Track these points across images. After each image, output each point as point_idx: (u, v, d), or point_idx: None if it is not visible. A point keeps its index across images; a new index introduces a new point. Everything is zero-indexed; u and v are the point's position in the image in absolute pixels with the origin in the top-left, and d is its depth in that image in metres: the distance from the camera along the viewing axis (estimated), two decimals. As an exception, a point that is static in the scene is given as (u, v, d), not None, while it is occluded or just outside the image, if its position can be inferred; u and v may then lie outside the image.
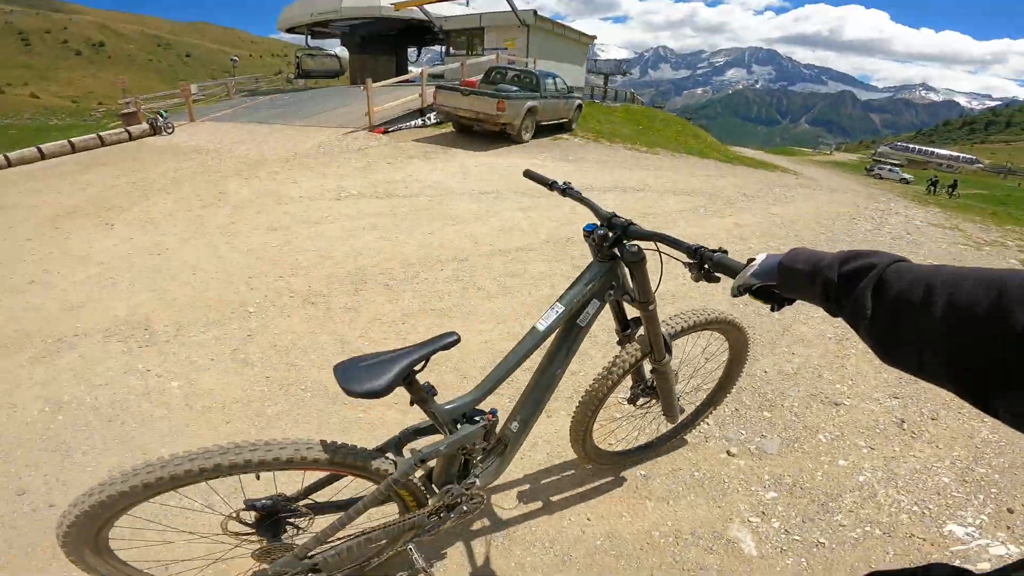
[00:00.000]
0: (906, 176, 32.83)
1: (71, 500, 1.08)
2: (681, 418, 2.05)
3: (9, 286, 3.59)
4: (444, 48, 19.21)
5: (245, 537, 1.23)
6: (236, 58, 25.82)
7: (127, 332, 2.96)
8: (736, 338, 1.83)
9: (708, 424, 2.22)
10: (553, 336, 1.39)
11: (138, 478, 1.01)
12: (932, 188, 23.72)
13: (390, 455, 1.25)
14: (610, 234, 1.25)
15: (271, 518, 1.21)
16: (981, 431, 2.15)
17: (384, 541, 1.39)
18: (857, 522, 1.77)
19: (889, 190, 15.50)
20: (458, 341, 1.18)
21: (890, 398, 2.35)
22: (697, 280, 1.01)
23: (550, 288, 3.43)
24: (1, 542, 1.68)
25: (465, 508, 1.41)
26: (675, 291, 3.44)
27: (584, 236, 1.30)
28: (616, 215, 1.27)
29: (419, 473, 1.33)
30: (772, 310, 0.87)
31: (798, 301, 0.82)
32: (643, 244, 1.25)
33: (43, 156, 8.38)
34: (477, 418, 1.28)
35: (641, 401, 1.78)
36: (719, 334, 1.84)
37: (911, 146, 63.36)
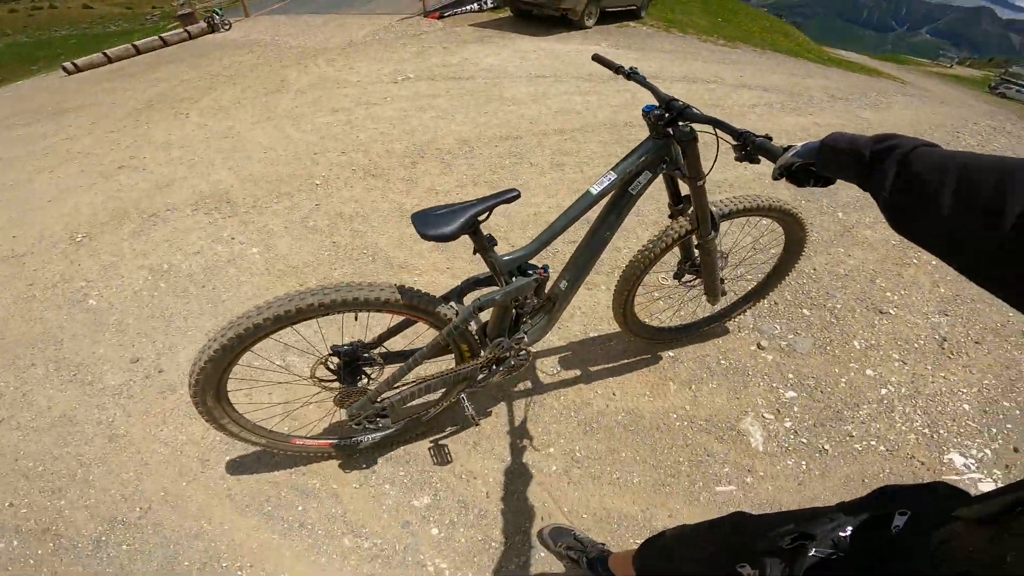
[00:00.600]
0: (1036, 99, 28.02)
1: (200, 346, 1.23)
2: (723, 305, 2.10)
3: (102, 171, 3.91)
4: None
5: (328, 383, 1.40)
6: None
7: (212, 205, 3.23)
8: (793, 229, 1.78)
9: (745, 315, 2.27)
10: (605, 201, 1.44)
11: (265, 313, 1.17)
12: (1064, 115, 20.09)
13: (452, 303, 1.35)
14: (666, 115, 1.29)
15: (351, 365, 1.36)
16: (1021, 363, 2.07)
17: (442, 388, 1.51)
18: (865, 435, 1.81)
19: (1012, 110, 13.43)
20: (518, 196, 1.25)
21: (939, 314, 2.29)
22: (739, 159, 1.07)
23: (604, 166, 3.38)
24: (120, 411, 1.95)
25: (512, 363, 1.53)
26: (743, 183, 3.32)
27: (643, 116, 1.34)
28: (675, 99, 1.29)
29: (475, 326, 1.45)
30: (803, 185, 0.93)
31: (833, 185, 0.89)
32: (698, 127, 1.29)
33: (110, 60, 8.62)
34: (530, 272, 1.37)
35: (686, 278, 1.82)
36: (777, 224, 1.80)
37: (1054, 70, 53.25)
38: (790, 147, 0.93)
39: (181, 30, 9.70)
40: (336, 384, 1.41)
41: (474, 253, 1.29)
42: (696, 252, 1.71)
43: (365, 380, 1.44)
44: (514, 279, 1.37)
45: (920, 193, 0.58)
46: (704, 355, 2.11)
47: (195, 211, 3.20)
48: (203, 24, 9.94)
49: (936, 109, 5.04)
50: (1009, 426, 1.85)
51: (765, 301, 2.33)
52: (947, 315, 2.29)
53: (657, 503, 1.61)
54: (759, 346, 2.14)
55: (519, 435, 1.81)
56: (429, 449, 1.73)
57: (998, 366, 2.07)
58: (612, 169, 1.36)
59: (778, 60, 7.58)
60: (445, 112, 4.45)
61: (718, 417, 1.87)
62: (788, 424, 1.84)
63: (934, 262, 2.55)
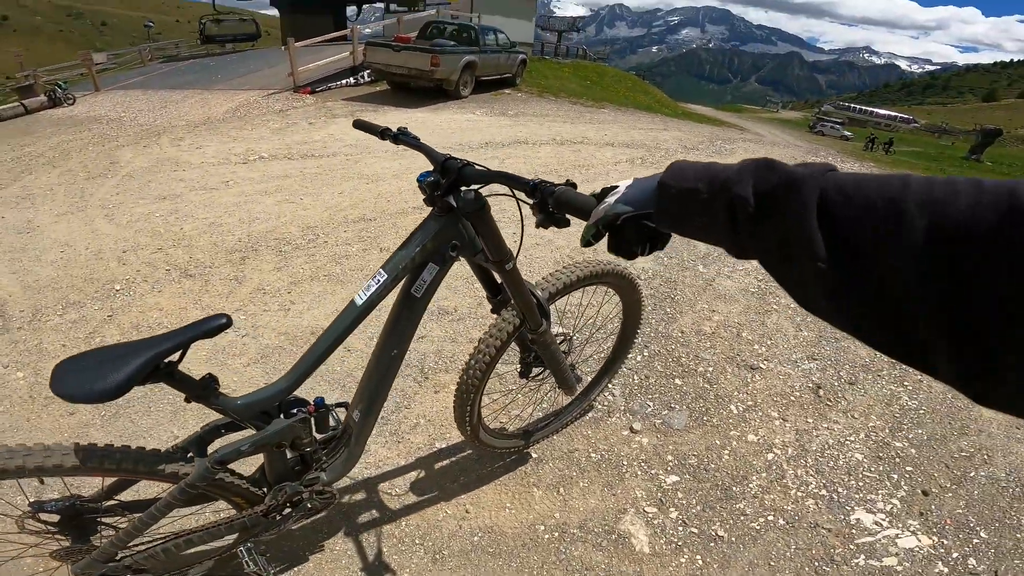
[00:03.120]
0: (846, 133, 34.10)
1: None
2: (581, 388, 1.86)
3: None
4: (385, 4, 17.96)
5: (50, 536, 1.15)
6: (151, 23, 23.34)
7: None
8: (627, 292, 1.62)
9: (614, 395, 2.02)
10: (389, 312, 1.19)
11: None
12: (870, 145, 24.42)
13: (192, 454, 1.09)
14: (443, 180, 1.01)
15: (74, 518, 1.14)
16: (901, 396, 2.02)
17: (211, 542, 1.24)
18: (760, 510, 1.60)
19: (830, 145, 15.77)
20: (228, 325, 0.96)
21: (808, 360, 2.20)
22: (542, 226, 0.82)
23: None
24: None
25: (310, 506, 1.28)
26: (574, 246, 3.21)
27: (419, 187, 1.06)
28: (452, 157, 1.03)
29: (231, 477, 1.15)
30: (640, 253, 0.64)
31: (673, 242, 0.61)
32: (487, 191, 1.04)
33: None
34: (295, 410, 1.12)
35: (535, 372, 1.57)
36: (611, 289, 1.63)
37: (853, 105, 66.65)
38: (608, 190, 0.64)
39: (17, 104, 8.89)
40: (57, 537, 1.16)
41: (187, 402, 0.99)
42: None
43: (99, 534, 1.18)
44: (273, 422, 1.10)
45: (876, 245, 0.37)
46: (572, 450, 1.81)
47: (-43, 332, 2.49)
48: (43, 98, 9.17)
49: (771, 151, 5.56)
50: (909, 468, 1.74)
51: (634, 376, 2.11)
52: (815, 360, 2.21)
53: None
54: (632, 429, 1.89)
55: (349, 572, 1.46)
56: None
57: (879, 405, 1.98)
58: (382, 267, 1.07)
59: (638, 116, 8.20)
60: (293, 194, 4.05)
61: (594, 521, 1.58)
62: (674, 515, 1.59)
63: (792, 306, 2.51)
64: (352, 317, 1.08)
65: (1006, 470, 1.74)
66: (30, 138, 6.71)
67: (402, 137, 1.16)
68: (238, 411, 1.06)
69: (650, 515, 1.59)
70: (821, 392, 2.04)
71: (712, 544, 1.51)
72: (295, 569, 1.46)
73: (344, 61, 9.88)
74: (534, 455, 1.79)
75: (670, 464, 1.76)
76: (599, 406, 1.97)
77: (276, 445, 1.14)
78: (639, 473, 1.73)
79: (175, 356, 0.93)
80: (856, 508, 1.61)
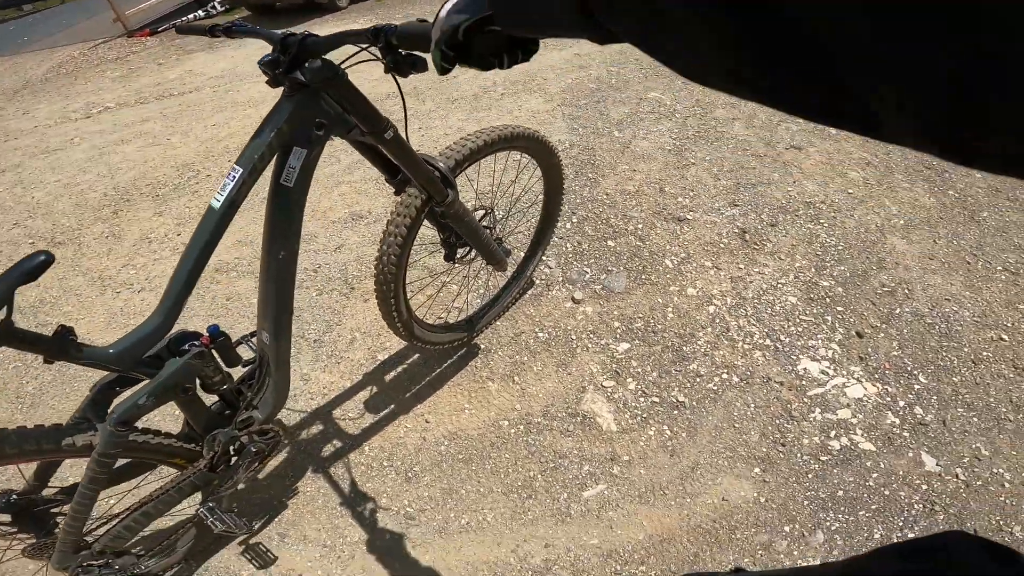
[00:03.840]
0: None
1: None
2: (513, 266, 1.79)
3: None
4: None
5: (11, 535, 1.08)
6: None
7: None
8: (542, 155, 1.52)
9: (550, 267, 1.97)
10: (265, 211, 1.04)
11: None
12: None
13: (90, 422, 0.97)
14: (282, 56, 0.90)
15: (23, 513, 1.07)
16: (819, 235, 2.06)
17: (173, 508, 1.17)
18: (713, 369, 1.61)
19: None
20: (49, 262, 0.80)
21: (730, 206, 2.22)
22: (398, 72, 0.79)
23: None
24: None
25: (255, 449, 1.19)
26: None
27: (263, 74, 0.94)
28: (292, 33, 0.92)
29: (146, 435, 1.03)
30: (500, 65, 0.57)
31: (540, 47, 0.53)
32: (339, 58, 0.94)
33: None
34: (186, 346, 1.01)
35: (461, 253, 1.48)
36: (526, 155, 1.50)
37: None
38: (442, 8, 0.55)
39: None
40: (19, 535, 1.09)
41: (47, 363, 0.86)
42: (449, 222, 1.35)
43: (58, 524, 1.11)
44: (166, 364, 0.97)
45: None
46: (518, 333, 1.77)
47: None
48: None
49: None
50: (839, 308, 1.77)
51: (568, 244, 2.06)
52: (737, 205, 2.24)
53: (525, 535, 1.30)
54: (574, 300, 1.85)
55: (330, 512, 1.40)
56: (243, 554, 1.33)
57: (801, 244, 2.03)
58: (236, 163, 0.94)
59: None
60: (157, 137, 3.49)
61: (555, 406, 1.56)
62: (632, 386, 1.59)
63: (709, 158, 2.51)
64: (213, 224, 0.93)
65: (928, 305, 1.76)
66: None
67: (235, 28, 1.02)
68: (115, 361, 0.92)
69: (609, 389, 1.58)
70: (747, 236, 2.06)
71: (676, 412, 1.51)
72: (277, 519, 1.38)
73: (186, -8, 8.47)
74: (481, 346, 1.73)
75: (618, 331, 1.74)
76: (537, 281, 1.92)
77: (181, 390, 1.02)
78: (590, 346, 1.70)
79: (1, 314, 0.76)
80: (801, 357, 1.62)
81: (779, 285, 1.87)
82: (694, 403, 1.53)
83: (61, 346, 0.83)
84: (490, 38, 0.53)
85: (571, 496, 1.36)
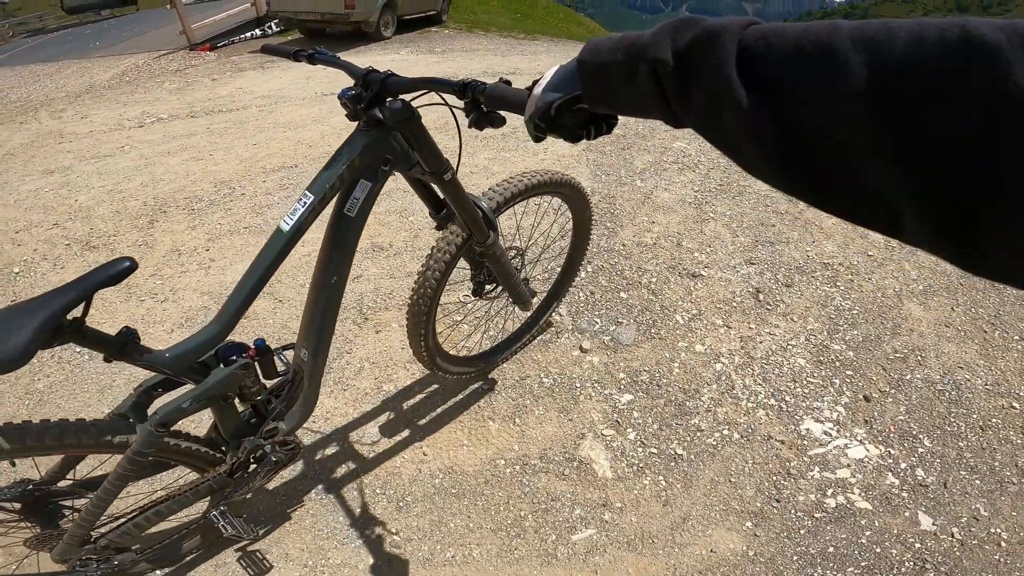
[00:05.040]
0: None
1: None
2: (536, 304, 1.83)
3: None
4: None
5: (14, 524, 1.09)
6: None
7: None
8: (575, 200, 1.58)
9: (561, 315, 1.99)
10: (323, 236, 1.10)
11: None
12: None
13: (132, 420, 1.01)
14: (365, 92, 0.95)
15: (34, 504, 1.09)
16: (835, 297, 2.04)
17: (183, 511, 1.20)
18: (715, 424, 1.62)
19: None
20: (133, 268, 0.85)
21: (747, 264, 2.22)
22: (476, 126, 0.80)
23: (394, 182, 2.95)
24: None
25: (275, 459, 1.23)
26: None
27: (341, 105, 0.99)
28: (375, 69, 0.96)
29: (178, 440, 1.07)
30: (587, 136, 0.62)
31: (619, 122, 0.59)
32: (417, 102, 0.98)
33: None
34: (234, 357, 1.05)
35: (488, 290, 1.53)
36: (561, 200, 1.59)
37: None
38: (535, 84, 0.61)
39: None
40: (24, 525, 1.11)
41: (107, 361, 0.90)
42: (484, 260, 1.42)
43: (66, 516, 1.15)
44: (213, 372, 1.02)
45: (810, 88, 0.32)
46: (523, 376, 1.78)
47: None
48: None
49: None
50: (849, 372, 1.76)
51: (581, 293, 2.08)
52: (753, 264, 2.23)
53: (509, 573, 1.31)
54: (581, 349, 1.87)
55: (316, 533, 1.41)
56: (239, 561, 1.35)
57: (815, 306, 2.02)
58: (307, 189, 0.99)
59: (572, 46, 7.91)
60: (201, 151, 3.68)
61: (553, 450, 1.56)
62: (632, 436, 1.59)
63: (729, 213, 2.52)
64: (280, 245, 0.98)
65: (940, 372, 1.74)
66: None
67: (318, 56, 1.07)
68: (169, 365, 0.96)
69: (608, 438, 1.59)
70: (761, 296, 2.06)
71: (673, 464, 1.51)
72: (262, 534, 1.40)
73: (247, 12, 8.95)
74: (484, 386, 1.75)
75: (623, 382, 1.75)
76: (548, 330, 1.94)
77: (222, 397, 1.07)
78: (593, 395, 1.71)
79: (78, 311, 0.82)
80: (804, 417, 1.61)
81: (789, 347, 1.86)
82: (692, 456, 1.53)
83: (123, 348, 0.89)
84: (578, 114, 0.58)
85: (559, 538, 1.36)
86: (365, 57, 6.55)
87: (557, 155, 3.14)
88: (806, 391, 1.71)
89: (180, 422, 1.03)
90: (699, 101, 0.39)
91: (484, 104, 0.74)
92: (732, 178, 2.79)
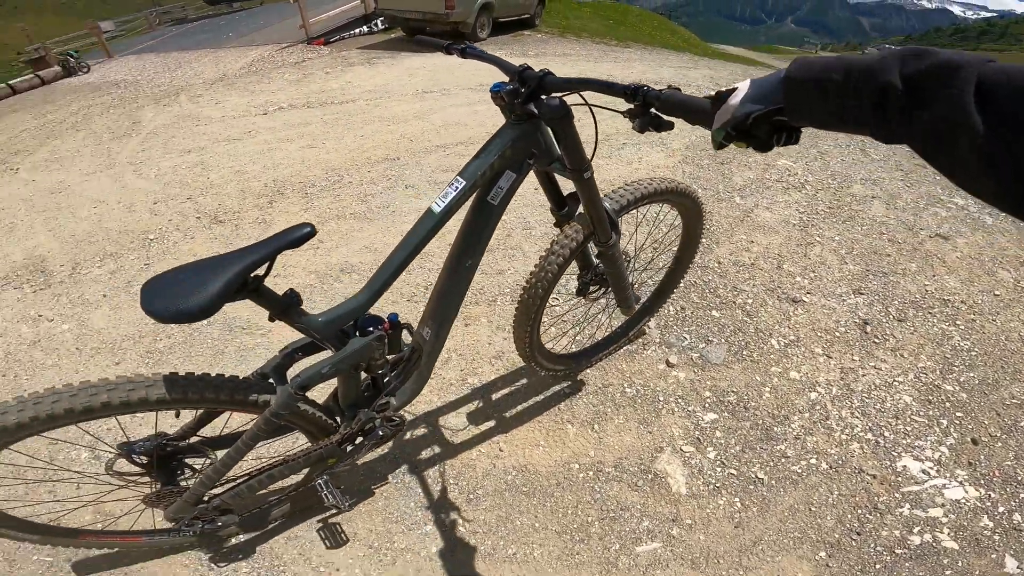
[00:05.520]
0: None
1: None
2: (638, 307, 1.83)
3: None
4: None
5: (134, 478, 1.11)
6: (157, -10, 22.76)
7: (24, 277, 2.70)
8: (688, 210, 1.56)
9: (649, 327, 1.97)
10: (462, 221, 1.14)
11: None
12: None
13: (272, 381, 1.04)
14: (522, 89, 0.98)
15: (163, 459, 1.10)
16: (953, 336, 1.88)
17: (290, 476, 1.23)
18: (803, 452, 1.54)
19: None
20: (312, 234, 0.90)
21: (855, 294, 2.08)
22: (641, 130, 0.81)
23: None
24: None
25: (381, 433, 1.24)
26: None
27: (492, 99, 1.03)
28: (529, 67, 1.00)
29: (308, 406, 1.12)
30: (777, 144, 0.63)
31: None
32: (571, 99, 1.01)
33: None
34: (370, 328, 1.08)
35: (592, 291, 1.55)
36: (674, 209, 1.57)
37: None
38: (724, 93, 0.63)
39: (32, 76, 8.88)
40: (147, 479, 1.13)
41: (271, 320, 0.95)
42: (596, 260, 1.44)
43: (186, 474, 1.17)
44: (351, 341, 1.05)
45: None
46: (606, 385, 1.78)
47: (2, 288, 2.60)
48: (57, 68, 9.16)
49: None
50: (959, 414, 1.63)
51: (670, 307, 2.05)
52: (862, 294, 2.09)
53: None
54: (668, 363, 1.84)
55: (385, 516, 1.46)
56: (319, 531, 1.40)
57: (930, 344, 1.86)
58: (459, 174, 1.03)
59: (666, 55, 7.74)
60: (315, 140, 3.99)
61: (629, 460, 1.55)
62: (712, 455, 1.55)
63: (837, 238, 2.37)
64: (430, 225, 1.01)
65: None
66: (51, 106, 6.74)
67: (470, 50, 1.13)
68: (320, 329, 0.99)
69: (687, 454, 1.56)
70: (868, 328, 1.93)
71: (751, 487, 1.46)
72: (332, 511, 1.44)
73: (356, 10, 9.65)
74: (566, 390, 1.77)
75: (708, 401, 1.70)
76: (636, 342, 1.93)
77: (354, 367, 1.10)
78: (676, 410, 1.68)
79: (261, 270, 0.87)
80: (903, 455, 1.52)
81: (895, 383, 1.74)
82: (773, 482, 1.48)
83: (286, 309, 0.93)
84: (770, 125, 0.60)
85: (623, 548, 1.35)
86: (456, 58, 6.79)
87: (651, 164, 3.10)
88: (908, 429, 1.60)
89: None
90: (926, 127, 0.42)
91: (658, 109, 0.76)
92: (843, 200, 2.62)
